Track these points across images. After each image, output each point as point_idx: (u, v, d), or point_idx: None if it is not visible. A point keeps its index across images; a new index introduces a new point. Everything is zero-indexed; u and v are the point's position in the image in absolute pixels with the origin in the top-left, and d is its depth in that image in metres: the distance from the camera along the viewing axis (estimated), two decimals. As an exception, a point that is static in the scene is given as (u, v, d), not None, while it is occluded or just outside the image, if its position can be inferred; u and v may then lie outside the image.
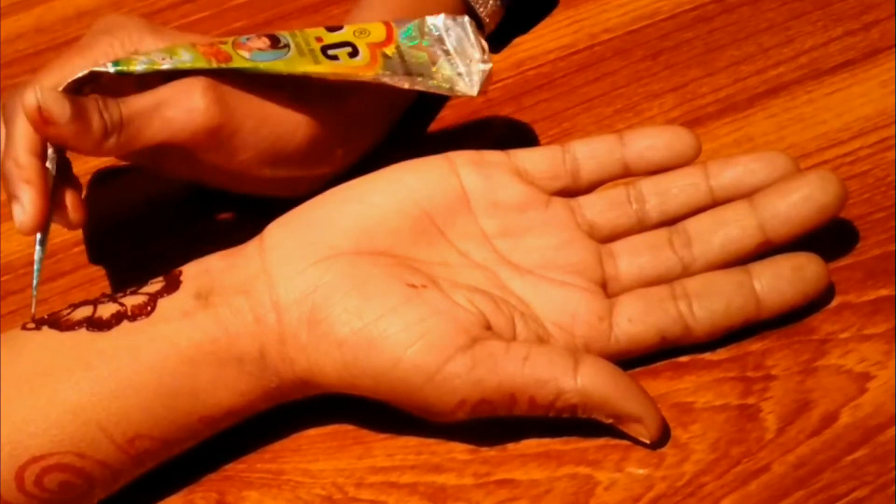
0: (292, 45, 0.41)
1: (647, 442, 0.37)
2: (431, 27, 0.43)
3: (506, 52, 0.52)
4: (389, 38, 0.43)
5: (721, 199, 0.40)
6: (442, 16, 0.44)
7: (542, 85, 0.51)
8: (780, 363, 0.39)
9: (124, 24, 0.41)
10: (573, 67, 0.51)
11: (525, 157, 0.41)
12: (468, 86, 0.43)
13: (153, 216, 0.47)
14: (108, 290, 0.42)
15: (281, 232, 0.39)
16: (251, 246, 0.39)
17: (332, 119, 0.43)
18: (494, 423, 0.38)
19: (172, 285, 0.38)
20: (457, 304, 0.37)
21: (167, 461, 0.37)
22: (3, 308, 0.46)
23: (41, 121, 0.37)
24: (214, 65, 0.39)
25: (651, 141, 0.41)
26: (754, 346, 0.39)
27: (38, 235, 0.38)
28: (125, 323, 0.36)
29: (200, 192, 0.47)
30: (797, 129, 0.46)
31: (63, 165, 0.39)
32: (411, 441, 0.39)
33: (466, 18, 0.44)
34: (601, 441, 0.38)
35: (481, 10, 0.49)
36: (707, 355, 0.39)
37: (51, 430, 0.35)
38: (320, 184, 0.42)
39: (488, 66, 0.43)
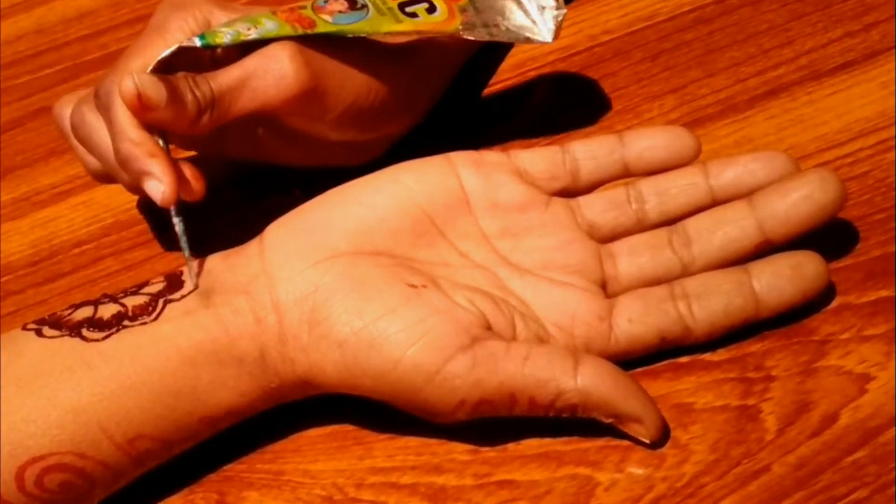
0: (370, 5, 0.41)
1: (647, 442, 0.37)
2: None
3: (506, 53, 0.52)
4: None
5: (721, 199, 0.40)
6: None
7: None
8: (781, 364, 0.39)
9: (187, 1, 0.41)
10: (573, 69, 0.51)
11: (525, 158, 0.41)
12: (542, 33, 0.42)
13: (153, 216, 0.47)
14: (109, 291, 0.42)
15: (281, 232, 0.39)
16: (252, 246, 0.39)
17: (399, 76, 0.43)
18: (494, 424, 0.38)
19: (173, 285, 0.38)
20: (457, 305, 0.37)
21: (167, 461, 0.37)
22: (3, 309, 0.46)
23: (140, 107, 0.37)
24: (300, 31, 0.39)
25: (650, 141, 0.41)
26: (754, 346, 0.39)
27: (173, 208, 0.38)
28: (126, 323, 0.36)
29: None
30: (797, 130, 0.46)
31: (166, 141, 0.39)
32: (411, 442, 0.39)
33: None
34: (601, 442, 0.38)
35: None
36: (707, 356, 0.39)
37: (51, 431, 0.35)
38: (382, 150, 0.44)
39: (562, 11, 0.42)
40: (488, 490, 0.37)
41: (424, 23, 0.41)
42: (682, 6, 0.53)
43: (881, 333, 0.39)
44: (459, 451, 0.38)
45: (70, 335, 0.36)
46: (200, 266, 0.38)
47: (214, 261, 0.39)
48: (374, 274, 0.37)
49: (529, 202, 0.40)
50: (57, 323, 0.37)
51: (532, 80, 0.51)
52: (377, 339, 0.36)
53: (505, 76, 0.51)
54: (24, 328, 0.37)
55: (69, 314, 0.37)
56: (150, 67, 0.38)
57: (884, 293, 0.40)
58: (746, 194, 0.40)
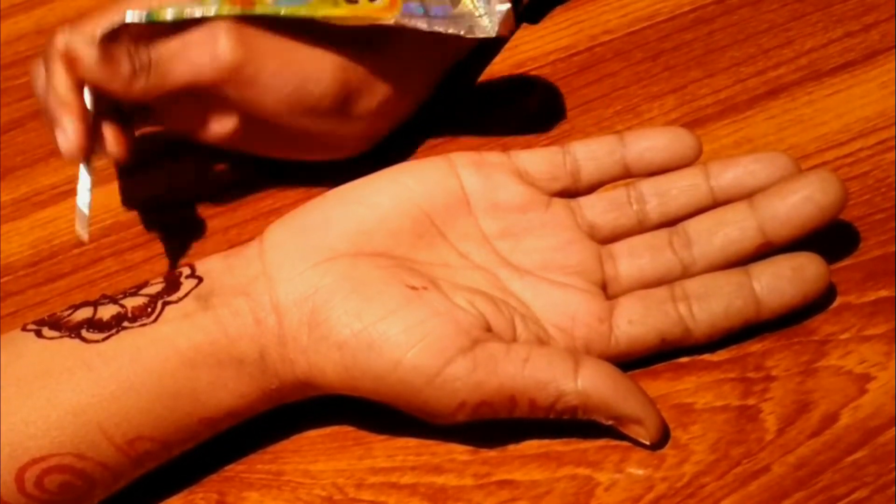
0: None
1: (647, 443, 0.37)
2: None
3: (505, 53, 0.52)
4: None
5: (721, 200, 0.40)
6: None
7: (542, 86, 0.51)
8: (781, 364, 0.39)
9: None
10: (573, 69, 0.51)
11: (525, 159, 0.41)
12: (487, 27, 0.42)
13: (153, 217, 0.47)
14: (109, 292, 0.42)
15: (281, 233, 0.39)
16: (251, 247, 0.39)
17: (363, 66, 0.43)
18: (494, 425, 0.38)
19: (172, 287, 0.38)
20: (457, 306, 0.37)
21: (167, 462, 0.37)
22: (3, 310, 0.46)
23: (68, 62, 0.39)
24: (238, 10, 0.40)
25: (651, 142, 0.41)
26: (754, 347, 0.39)
27: (82, 165, 0.41)
28: (125, 324, 0.36)
29: (199, 194, 0.47)
30: (797, 130, 0.46)
31: (105, 107, 0.41)
32: (411, 442, 0.39)
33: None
34: (601, 442, 0.38)
35: None
36: (707, 356, 0.39)
37: (51, 432, 0.35)
38: (367, 145, 0.44)
39: (506, 5, 0.42)
40: (488, 490, 0.37)
41: (364, 9, 0.41)
42: (683, 6, 0.52)
43: (881, 333, 0.39)
44: (459, 451, 0.38)
45: (70, 336, 0.36)
46: (199, 268, 0.38)
47: (214, 261, 0.39)
48: (374, 275, 0.37)
49: (530, 203, 0.40)
50: (56, 324, 0.37)
51: (532, 81, 0.51)
52: (377, 341, 0.36)
53: (505, 76, 0.51)
54: (24, 329, 0.37)
55: (69, 315, 0.37)
56: (99, 35, 0.40)
57: (884, 293, 0.40)
58: (747, 195, 0.40)
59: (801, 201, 0.38)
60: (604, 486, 0.37)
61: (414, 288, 0.37)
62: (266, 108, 0.42)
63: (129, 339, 0.36)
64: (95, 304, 0.38)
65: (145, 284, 0.38)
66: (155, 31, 0.41)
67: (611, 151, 0.41)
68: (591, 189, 0.41)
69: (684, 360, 0.39)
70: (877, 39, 0.49)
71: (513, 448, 0.38)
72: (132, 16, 0.40)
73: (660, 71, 0.50)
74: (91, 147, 0.41)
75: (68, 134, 0.40)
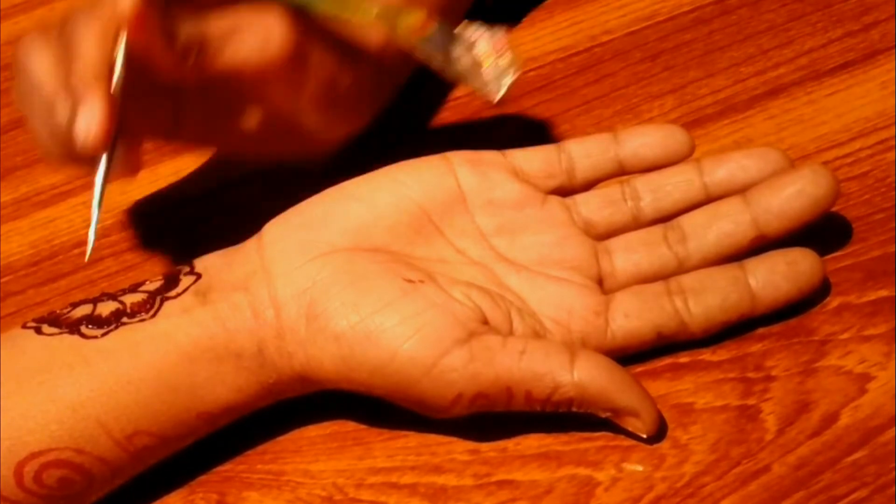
0: None
1: (644, 436, 0.37)
2: (468, 31, 0.43)
3: (505, 54, 0.52)
4: (427, 24, 0.42)
5: (715, 196, 0.40)
6: (478, 23, 0.43)
7: (542, 86, 0.51)
8: (780, 364, 0.39)
9: None
10: (572, 69, 0.51)
11: (521, 157, 0.41)
12: (491, 92, 0.42)
13: (153, 217, 0.47)
14: (108, 290, 0.42)
15: (279, 229, 0.39)
16: (250, 243, 0.39)
17: (369, 68, 0.43)
18: (494, 424, 0.38)
19: (171, 283, 0.38)
20: (454, 299, 0.37)
21: (166, 459, 0.37)
22: (3, 309, 0.46)
23: (137, 26, 0.34)
24: None
25: (645, 139, 0.41)
26: (754, 346, 0.39)
27: (103, 160, 0.36)
28: (125, 320, 0.36)
29: (199, 194, 0.47)
30: (797, 130, 0.46)
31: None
32: (411, 442, 0.39)
33: (502, 30, 0.43)
34: (601, 442, 0.38)
35: None
36: (707, 356, 0.39)
37: (50, 426, 0.35)
38: (333, 150, 0.43)
39: (515, 75, 0.42)
40: (488, 490, 0.37)
41: (390, 17, 0.41)
42: (682, 6, 0.53)
43: (881, 333, 0.39)
44: (459, 451, 0.38)
45: (69, 332, 0.36)
46: (198, 264, 0.38)
47: (213, 258, 0.39)
48: (372, 269, 0.37)
49: (525, 200, 0.40)
50: (56, 321, 0.37)
51: (531, 81, 0.51)
52: (374, 333, 0.36)
53: (505, 77, 0.51)
54: (24, 326, 0.37)
55: (68, 312, 0.37)
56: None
57: (884, 293, 0.40)
58: (740, 190, 0.40)
59: (794, 194, 0.39)
60: (604, 486, 0.37)
61: (411, 281, 0.37)
62: (297, 103, 0.40)
63: (128, 335, 0.36)
64: (95, 301, 0.38)
65: (144, 282, 0.38)
66: (200, 4, 0.38)
67: (605, 149, 0.41)
68: (586, 186, 0.42)
69: (684, 359, 0.39)
70: (877, 39, 0.49)
71: (513, 448, 0.38)
72: None
73: (659, 71, 0.50)
74: (115, 141, 0.35)
75: (96, 115, 0.34)
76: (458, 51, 0.42)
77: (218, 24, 0.37)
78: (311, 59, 0.40)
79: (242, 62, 0.38)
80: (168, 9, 0.35)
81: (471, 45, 0.42)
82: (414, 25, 0.42)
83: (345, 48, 0.41)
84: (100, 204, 0.37)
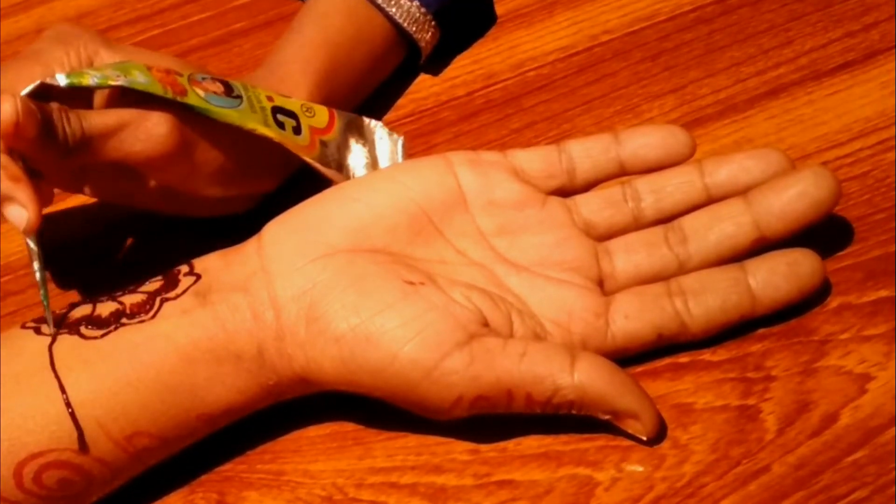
0: (244, 98, 0.41)
1: (644, 438, 0.37)
2: (370, 128, 0.46)
3: (505, 54, 0.52)
4: (329, 128, 0.44)
5: (716, 197, 0.40)
6: (379, 124, 0.46)
7: (542, 86, 0.51)
8: (781, 364, 0.39)
9: (79, 34, 0.41)
10: (573, 69, 0.51)
11: (521, 157, 0.41)
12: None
13: (152, 217, 0.47)
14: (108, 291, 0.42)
15: (279, 230, 0.39)
16: (250, 244, 0.39)
17: (264, 146, 0.42)
18: (494, 424, 0.38)
19: (171, 284, 0.38)
20: (454, 301, 0.37)
21: (166, 460, 0.37)
22: (3, 309, 0.46)
23: (14, 132, 0.35)
24: (170, 94, 0.39)
25: (646, 140, 0.41)
26: (754, 346, 0.39)
27: (33, 236, 0.37)
28: (124, 321, 0.36)
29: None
30: (797, 130, 0.46)
31: (26, 166, 0.37)
32: (411, 441, 0.39)
33: (401, 139, 0.46)
34: (601, 442, 0.38)
35: (419, 35, 0.50)
36: (707, 356, 0.39)
37: (49, 427, 0.35)
38: (250, 206, 0.44)
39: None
40: (488, 490, 0.37)
41: (287, 138, 0.42)
42: (683, 6, 0.53)
43: (881, 333, 0.39)
44: (459, 451, 0.38)
45: (68, 333, 0.36)
46: (197, 265, 0.38)
47: (212, 259, 0.39)
48: (372, 270, 0.37)
49: (526, 200, 0.40)
50: (56, 321, 0.37)
51: (532, 81, 0.51)
52: (374, 335, 0.36)
53: (504, 77, 0.51)
54: (23, 327, 0.37)
55: (67, 313, 0.37)
56: (23, 94, 0.37)
57: (884, 293, 0.40)
58: (741, 192, 0.40)
59: (795, 196, 0.39)
60: (604, 486, 0.37)
61: (411, 283, 0.37)
62: (187, 185, 0.41)
63: (128, 336, 0.36)
64: (94, 302, 0.38)
65: (143, 282, 0.38)
66: (83, 97, 0.39)
67: (606, 149, 0.41)
68: (586, 187, 0.42)
69: (684, 360, 0.39)
70: (877, 39, 0.49)
71: (513, 448, 0.38)
72: (54, 78, 0.37)
73: (660, 71, 0.50)
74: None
75: (27, 205, 0.36)
76: (355, 156, 0.45)
77: (101, 121, 0.38)
78: (199, 148, 0.41)
79: (125, 156, 0.39)
80: (45, 111, 0.36)
81: (368, 144, 0.45)
82: (318, 125, 0.43)
83: (235, 134, 0.41)
84: (43, 275, 0.37)
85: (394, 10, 0.49)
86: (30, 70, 0.39)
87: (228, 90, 0.41)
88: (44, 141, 0.36)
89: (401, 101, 0.51)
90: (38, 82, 0.37)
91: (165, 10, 0.59)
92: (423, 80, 0.52)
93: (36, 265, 0.37)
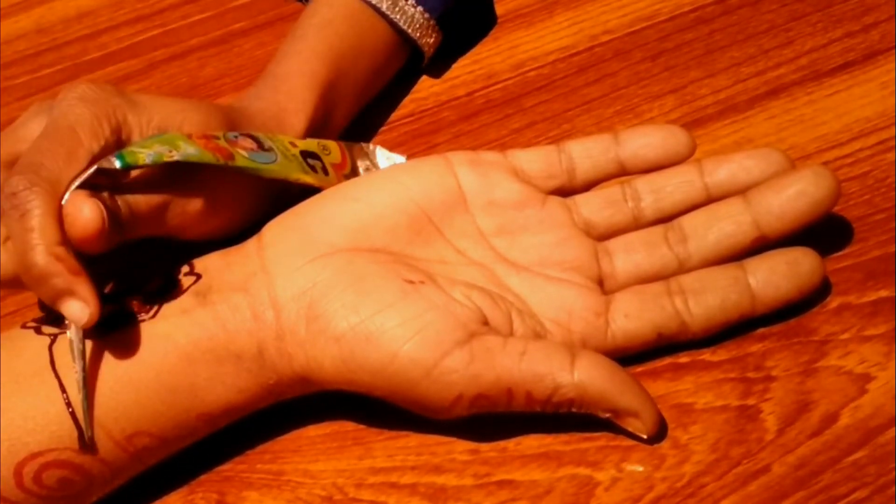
0: (275, 149, 0.41)
1: (644, 437, 0.37)
2: (372, 151, 0.46)
3: (506, 54, 0.52)
4: (344, 162, 0.45)
5: (716, 196, 0.40)
6: (378, 147, 0.46)
7: (542, 86, 0.51)
8: (781, 364, 0.39)
9: (106, 98, 0.38)
10: (573, 69, 0.51)
11: (521, 157, 0.41)
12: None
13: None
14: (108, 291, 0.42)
15: (279, 230, 0.39)
16: (250, 244, 0.39)
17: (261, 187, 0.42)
18: (494, 424, 0.38)
19: (171, 284, 0.38)
20: (454, 300, 0.37)
21: (166, 460, 0.37)
22: (3, 309, 0.46)
23: (92, 236, 0.34)
24: (221, 161, 0.38)
25: (646, 139, 0.41)
26: (754, 347, 0.39)
27: (81, 330, 0.35)
28: (124, 321, 0.36)
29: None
30: (797, 130, 0.46)
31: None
32: (411, 441, 0.39)
33: (403, 158, 0.46)
34: (601, 442, 0.38)
35: (423, 41, 0.50)
36: (707, 356, 0.39)
37: (49, 427, 0.35)
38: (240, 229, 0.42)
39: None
40: (488, 490, 0.37)
41: (324, 181, 0.42)
42: (683, 6, 0.53)
43: (881, 333, 0.39)
44: (459, 451, 0.38)
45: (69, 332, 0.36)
46: (197, 265, 0.38)
47: (212, 259, 0.39)
48: (372, 270, 0.37)
49: (526, 200, 0.40)
50: (56, 321, 0.37)
51: (531, 81, 0.51)
52: (374, 334, 0.36)
53: (504, 77, 0.51)
54: (24, 326, 0.37)
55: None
56: (73, 186, 0.35)
57: (884, 293, 0.40)
58: (741, 191, 0.40)
59: (795, 195, 0.39)
60: (604, 486, 0.37)
61: (411, 282, 0.37)
62: (210, 234, 0.41)
63: (128, 336, 0.36)
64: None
65: (144, 282, 0.38)
66: (123, 177, 0.37)
67: (606, 149, 0.41)
68: (586, 187, 0.42)
69: (684, 359, 0.39)
70: (877, 40, 0.49)
71: (513, 448, 0.38)
72: (110, 161, 0.36)
73: (660, 71, 0.50)
74: None
75: (88, 300, 0.34)
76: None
77: (147, 203, 0.37)
78: (220, 208, 0.40)
79: (164, 231, 0.38)
80: (104, 203, 0.35)
81: (376, 168, 0.46)
82: (335, 161, 0.44)
83: (238, 184, 0.41)
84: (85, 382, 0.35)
85: (398, 16, 0.48)
86: (67, 145, 0.36)
87: (259, 144, 0.41)
88: (94, 226, 0.35)
89: (401, 102, 0.51)
90: (94, 168, 0.36)
91: (165, 10, 0.59)
92: (424, 80, 0.52)
93: (78, 365, 0.35)
